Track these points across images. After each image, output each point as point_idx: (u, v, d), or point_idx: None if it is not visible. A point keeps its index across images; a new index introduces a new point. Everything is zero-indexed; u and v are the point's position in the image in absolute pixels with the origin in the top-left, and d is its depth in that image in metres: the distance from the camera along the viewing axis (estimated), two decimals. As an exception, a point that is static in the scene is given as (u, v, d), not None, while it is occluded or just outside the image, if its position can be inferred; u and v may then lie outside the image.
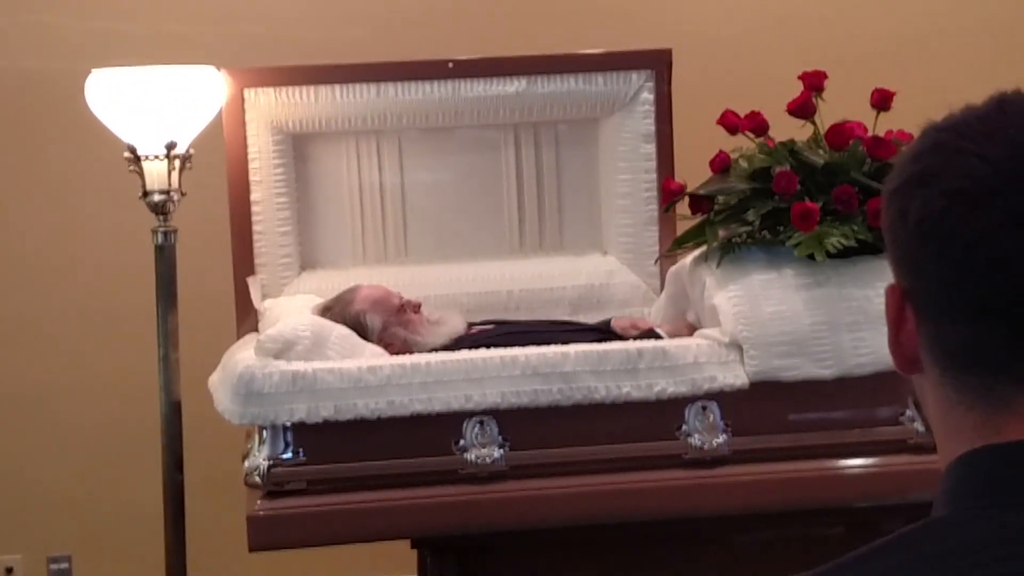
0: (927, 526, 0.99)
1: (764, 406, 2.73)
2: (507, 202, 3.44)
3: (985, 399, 1.01)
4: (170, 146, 3.06)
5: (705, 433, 2.71)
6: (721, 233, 2.90)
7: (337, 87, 3.24)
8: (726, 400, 2.71)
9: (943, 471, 1.03)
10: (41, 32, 3.79)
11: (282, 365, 2.64)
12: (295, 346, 2.72)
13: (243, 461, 2.69)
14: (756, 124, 3.00)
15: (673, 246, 3.11)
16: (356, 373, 2.64)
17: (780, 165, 2.88)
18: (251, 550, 2.64)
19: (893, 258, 1.06)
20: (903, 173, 1.05)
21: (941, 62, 3.99)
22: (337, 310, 3.05)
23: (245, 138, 3.23)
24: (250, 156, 3.25)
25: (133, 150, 3.08)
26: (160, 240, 3.14)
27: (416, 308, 3.12)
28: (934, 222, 1.00)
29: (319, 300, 3.15)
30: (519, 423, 2.67)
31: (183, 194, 3.13)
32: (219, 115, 3.18)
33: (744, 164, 2.97)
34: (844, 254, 2.76)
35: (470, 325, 3.15)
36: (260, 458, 2.64)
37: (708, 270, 2.86)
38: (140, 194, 3.12)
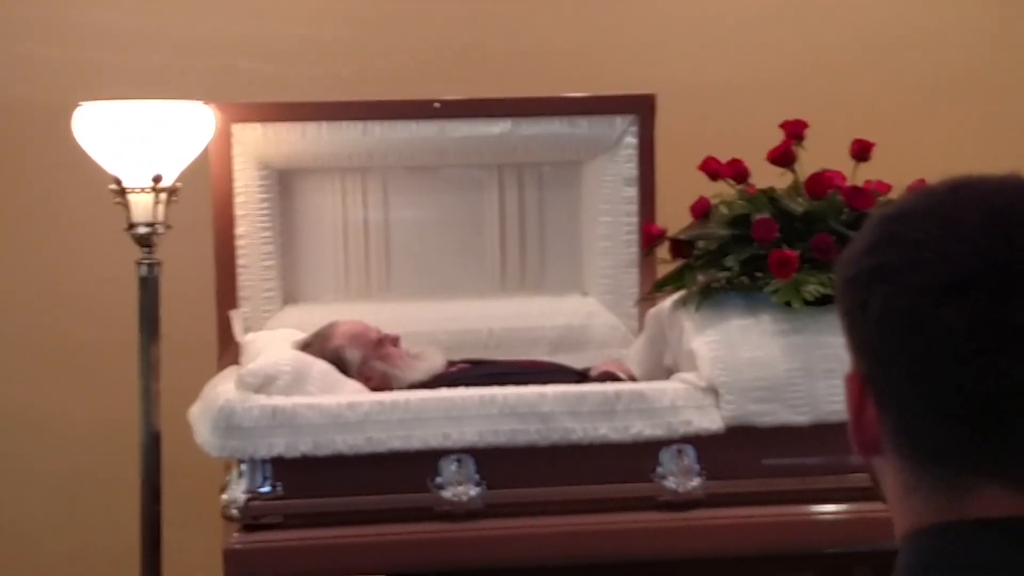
0: None
1: (739, 450, 2.75)
2: (490, 241, 3.47)
3: (944, 488, 1.01)
4: (156, 179, 3.08)
5: (680, 476, 2.73)
6: (700, 278, 2.93)
7: (324, 124, 3.27)
8: (701, 444, 2.74)
9: (900, 545, 1.04)
10: (29, 63, 3.81)
11: (262, 399, 2.66)
12: (276, 380, 2.74)
13: (221, 494, 2.71)
14: (737, 171, 3.04)
15: (653, 289, 3.14)
16: (335, 409, 2.65)
17: (760, 212, 2.92)
18: (227, 583, 2.65)
19: (852, 345, 1.05)
20: (860, 263, 1.03)
21: (920, 115, 4.04)
22: (316, 346, 3.07)
23: (231, 172, 3.26)
24: (236, 190, 3.27)
25: (119, 182, 3.10)
26: (144, 272, 3.16)
27: (395, 342, 3.15)
28: (896, 319, 1.00)
29: (301, 334, 3.16)
30: (496, 462, 2.69)
31: (168, 227, 3.15)
32: (206, 149, 3.20)
33: (724, 210, 3.00)
34: (821, 302, 2.79)
35: (450, 363, 3.17)
36: (238, 491, 2.66)
37: (687, 314, 2.89)
38: (125, 226, 3.14)
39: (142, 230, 3.13)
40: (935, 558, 1.00)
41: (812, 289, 2.78)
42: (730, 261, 2.90)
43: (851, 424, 1.07)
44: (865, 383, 1.05)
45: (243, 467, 2.66)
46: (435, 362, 3.14)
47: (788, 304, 2.77)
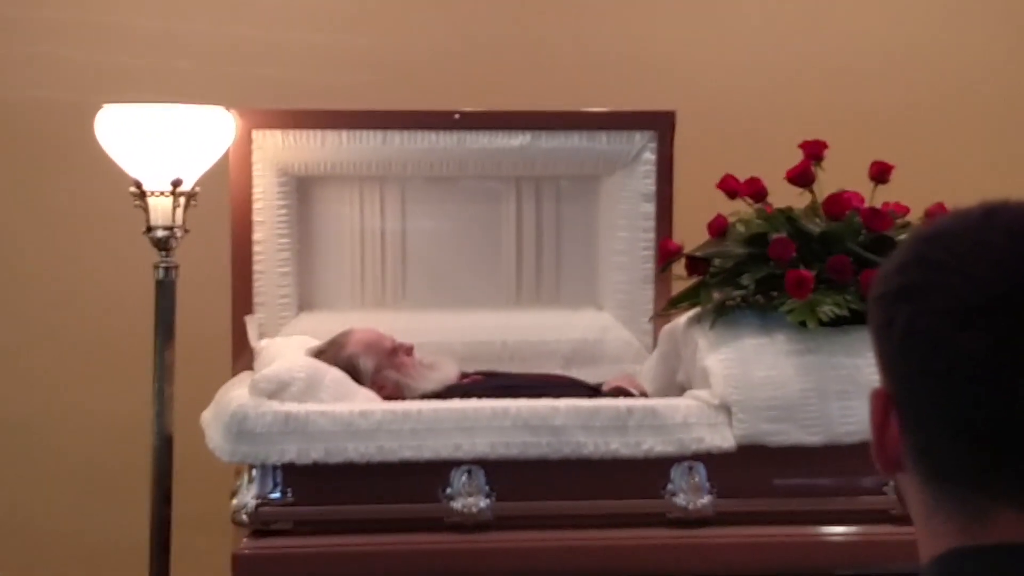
0: None
1: (750, 469, 2.75)
2: (506, 254, 3.47)
3: (964, 511, 1.01)
4: (176, 183, 3.09)
5: (690, 493, 2.73)
6: (716, 295, 2.93)
7: (344, 133, 3.28)
8: (712, 461, 2.74)
9: (922, 569, 1.04)
10: (52, 64, 3.83)
11: (275, 405, 2.67)
12: (289, 387, 2.74)
13: (231, 498, 2.71)
14: (755, 190, 3.04)
15: (668, 306, 3.14)
16: (348, 417, 2.66)
17: (777, 232, 2.92)
18: (235, 588, 2.66)
19: (879, 362, 1.06)
20: (889, 282, 1.05)
21: (942, 135, 4.03)
22: (330, 353, 3.07)
23: (251, 178, 3.27)
24: (255, 196, 3.28)
25: (139, 185, 3.11)
26: (161, 275, 3.17)
27: (408, 351, 3.15)
28: (918, 339, 1.01)
29: (315, 341, 3.17)
30: (507, 474, 2.69)
31: (186, 231, 3.16)
32: (226, 154, 3.21)
33: (741, 228, 3.00)
34: (836, 323, 2.79)
35: (463, 374, 3.17)
36: (248, 497, 2.66)
37: (701, 331, 2.89)
38: (144, 229, 3.15)
39: (160, 233, 3.13)
40: None
41: (827, 310, 2.78)
42: (746, 279, 2.90)
43: (874, 440, 1.07)
44: (890, 400, 1.05)
45: (254, 472, 2.67)
46: (448, 372, 3.14)
47: (803, 324, 2.77)
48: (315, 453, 2.63)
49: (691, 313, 2.99)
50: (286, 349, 3.09)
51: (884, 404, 1.06)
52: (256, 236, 3.29)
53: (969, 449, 1.00)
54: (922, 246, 1.04)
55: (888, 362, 1.05)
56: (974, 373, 0.98)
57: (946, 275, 1.00)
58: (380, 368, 3.09)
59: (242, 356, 3.20)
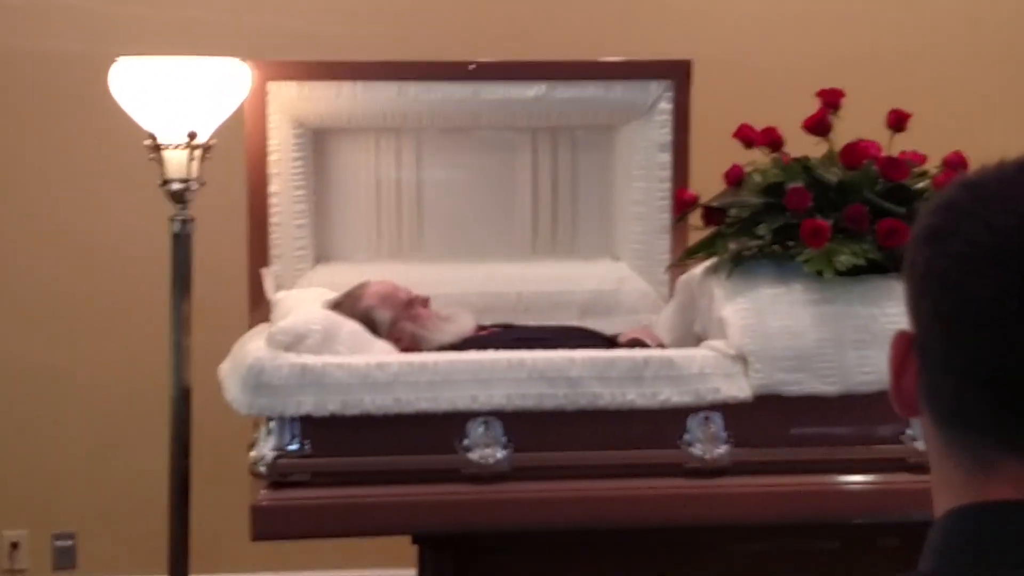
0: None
1: (767, 419, 2.75)
2: (521, 205, 3.46)
3: (971, 457, 1.01)
4: (191, 136, 3.09)
5: (707, 443, 2.74)
6: (732, 245, 2.92)
7: (359, 84, 3.27)
8: (729, 412, 2.74)
9: (933, 523, 1.04)
10: (67, 14, 3.83)
11: (292, 358, 2.67)
12: (306, 339, 2.75)
13: (249, 451, 2.72)
14: (771, 139, 3.03)
15: (684, 256, 3.14)
16: (364, 369, 2.66)
17: (793, 181, 2.91)
18: (253, 539, 2.67)
19: (907, 304, 1.07)
20: (921, 224, 1.05)
21: (959, 84, 4.01)
22: (347, 306, 3.07)
23: (266, 130, 3.26)
24: (270, 148, 3.27)
25: (154, 138, 3.11)
26: (177, 228, 3.17)
27: (425, 303, 3.15)
28: (933, 282, 1.01)
29: (331, 293, 3.17)
30: (523, 425, 2.69)
31: (202, 183, 3.16)
32: (241, 106, 3.20)
33: (758, 178, 2.99)
34: (853, 272, 2.78)
35: (479, 326, 3.17)
36: (266, 449, 2.67)
37: (717, 282, 2.89)
38: (159, 182, 3.15)
39: (176, 186, 3.14)
40: (963, 542, 1.01)
41: (844, 259, 2.76)
42: (762, 229, 2.89)
43: (892, 384, 1.08)
44: (911, 343, 1.06)
45: (272, 425, 2.67)
46: (465, 324, 3.14)
47: (820, 274, 2.76)
48: (332, 405, 2.63)
49: (707, 263, 2.98)
50: (302, 301, 3.09)
51: (905, 346, 1.07)
52: (272, 188, 3.28)
53: (973, 395, 1.00)
54: (955, 191, 1.04)
55: (909, 304, 1.06)
56: (978, 319, 0.98)
57: (966, 220, 1.01)
58: (396, 320, 3.09)
59: (259, 308, 3.20)
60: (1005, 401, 0.99)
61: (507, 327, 3.21)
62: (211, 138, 3.14)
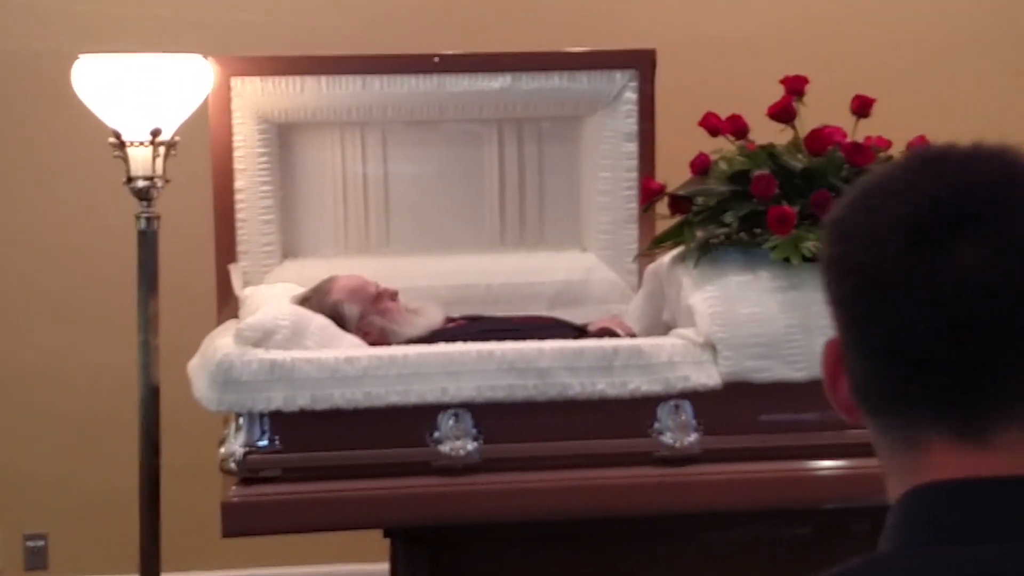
0: (872, 561, 1.02)
1: (736, 406, 2.76)
2: (489, 197, 3.46)
3: (904, 442, 1.03)
4: (155, 133, 3.08)
5: (677, 432, 2.74)
6: (699, 234, 2.93)
7: (323, 78, 3.26)
8: (699, 399, 2.74)
9: (889, 508, 1.05)
10: (29, 13, 3.80)
11: (260, 353, 2.67)
12: (274, 335, 2.74)
13: (219, 447, 2.72)
14: (737, 127, 3.03)
15: (652, 245, 3.14)
16: (334, 363, 2.66)
17: (759, 168, 2.91)
18: (225, 536, 2.67)
19: (825, 300, 1.09)
20: (827, 218, 1.08)
21: (922, 70, 4.03)
22: (315, 300, 3.07)
23: (231, 126, 3.25)
24: (235, 144, 3.26)
25: (118, 135, 3.09)
26: (143, 226, 3.16)
27: (393, 296, 3.15)
28: (834, 269, 1.05)
29: (299, 289, 3.16)
30: (493, 417, 2.69)
31: (167, 181, 3.15)
32: (205, 103, 3.19)
33: (724, 166, 3.00)
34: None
35: (448, 318, 3.17)
36: (236, 445, 2.66)
37: (685, 270, 2.89)
38: (124, 180, 3.14)
39: (141, 184, 3.13)
40: (916, 524, 1.02)
41: (811, 245, 2.77)
42: (729, 217, 2.90)
43: (828, 390, 1.10)
44: (839, 348, 1.07)
45: (241, 421, 2.67)
46: (434, 317, 3.14)
47: (787, 260, 2.77)
48: (301, 400, 2.63)
49: (675, 252, 2.99)
50: (270, 297, 3.08)
51: (835, 353, 1.08)
52: (238, 184, 3.27)
53: (887, 376, 1.02)
54: (855, 186, 1.08)
55: (826, 298, 1.08)
56: (873, 295, 1.01)
57: (857, 205, 1.04)
58: (365, 314, 3.08)
59: (227, 305, 3.19)
60: (910, 376, 1.01)
61: (475, 318, 3.21)
62: (175, 135, 3.13)
